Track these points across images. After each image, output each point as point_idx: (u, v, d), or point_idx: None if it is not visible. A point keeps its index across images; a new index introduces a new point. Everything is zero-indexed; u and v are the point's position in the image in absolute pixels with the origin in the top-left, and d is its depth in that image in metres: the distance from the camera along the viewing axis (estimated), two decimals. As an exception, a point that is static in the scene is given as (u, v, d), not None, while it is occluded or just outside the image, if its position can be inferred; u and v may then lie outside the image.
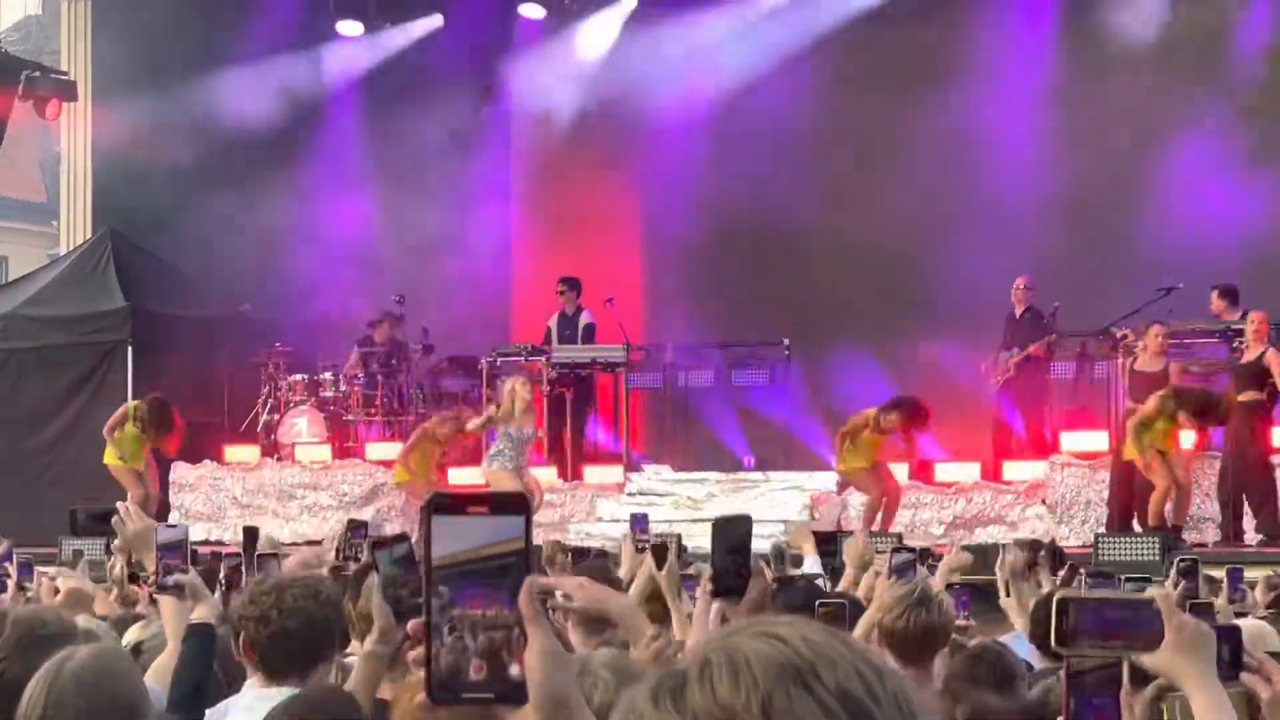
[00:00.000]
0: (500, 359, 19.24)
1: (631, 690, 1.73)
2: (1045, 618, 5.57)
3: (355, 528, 8.50)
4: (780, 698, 1.64)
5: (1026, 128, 19.87)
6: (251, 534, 11.44)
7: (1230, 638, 2.92)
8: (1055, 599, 2.81)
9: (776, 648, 1.67)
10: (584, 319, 19.31)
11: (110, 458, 17.29)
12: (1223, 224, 18.37)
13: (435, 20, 22.61)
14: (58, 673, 3.37)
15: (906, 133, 20.14)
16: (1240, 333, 15.64)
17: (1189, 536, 15.14)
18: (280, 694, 4.56)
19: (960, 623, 6.13)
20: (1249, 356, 15.19)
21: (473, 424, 16.74)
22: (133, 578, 8.38)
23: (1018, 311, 18.01)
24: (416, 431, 16.99)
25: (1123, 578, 5.97)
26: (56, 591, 5.12)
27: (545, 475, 17.40)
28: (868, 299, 19.53)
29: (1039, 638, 6.12)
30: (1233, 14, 20.08)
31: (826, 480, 17.05)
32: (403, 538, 4.75)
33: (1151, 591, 2.81)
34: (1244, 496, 15.16)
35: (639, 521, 9.42)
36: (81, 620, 5.11)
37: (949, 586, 6.78)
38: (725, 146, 21.14)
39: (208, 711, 4.81)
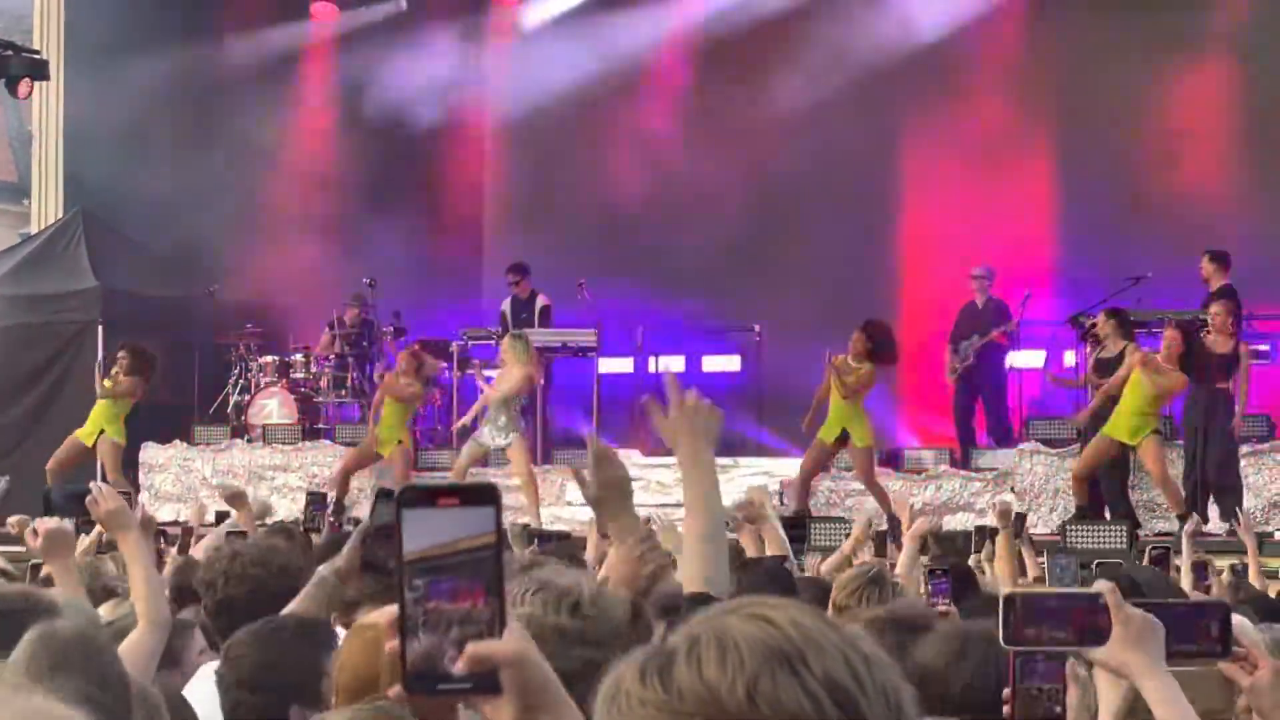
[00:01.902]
0: (471, 342, 19.23)
1: (618, 667, 1.74)
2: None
3: (315, 501, 8.42)
4: (766, 681, 1.65)
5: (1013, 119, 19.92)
6: (223, 517, 11.43)
7: (1219, 614, 2.93)
8: (1002, 596, 2.82)
9: (766, 631, 1.68)
10: (540, 302, 19.27)
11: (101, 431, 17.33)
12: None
13: (400, 4, 22.51)
14: (51, 636, 3.34)
15: (885, 123, 20.16)
16: (1206, 323, 15.60)
17: (1158, 525, 15.19)
18: None
19: (942, 608, 6.13)
20: (1221, 349, 15.19)
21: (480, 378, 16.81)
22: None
23: (979, 301, 18.00)
24: (378, 395, 17.07)
25: (1095, 564, 5.97)
26: (36, 534, 5.09)
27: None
28: (843, 286, 19.51)
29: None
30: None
31: (795, 466, 17.04)
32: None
33: (1098, 585, 2.81)
34: (1211, 485, 15.19)
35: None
36: (59, 581, 5.09)
37: (930, 572, 6.76)
38: (697, 131, 21.11)
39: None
